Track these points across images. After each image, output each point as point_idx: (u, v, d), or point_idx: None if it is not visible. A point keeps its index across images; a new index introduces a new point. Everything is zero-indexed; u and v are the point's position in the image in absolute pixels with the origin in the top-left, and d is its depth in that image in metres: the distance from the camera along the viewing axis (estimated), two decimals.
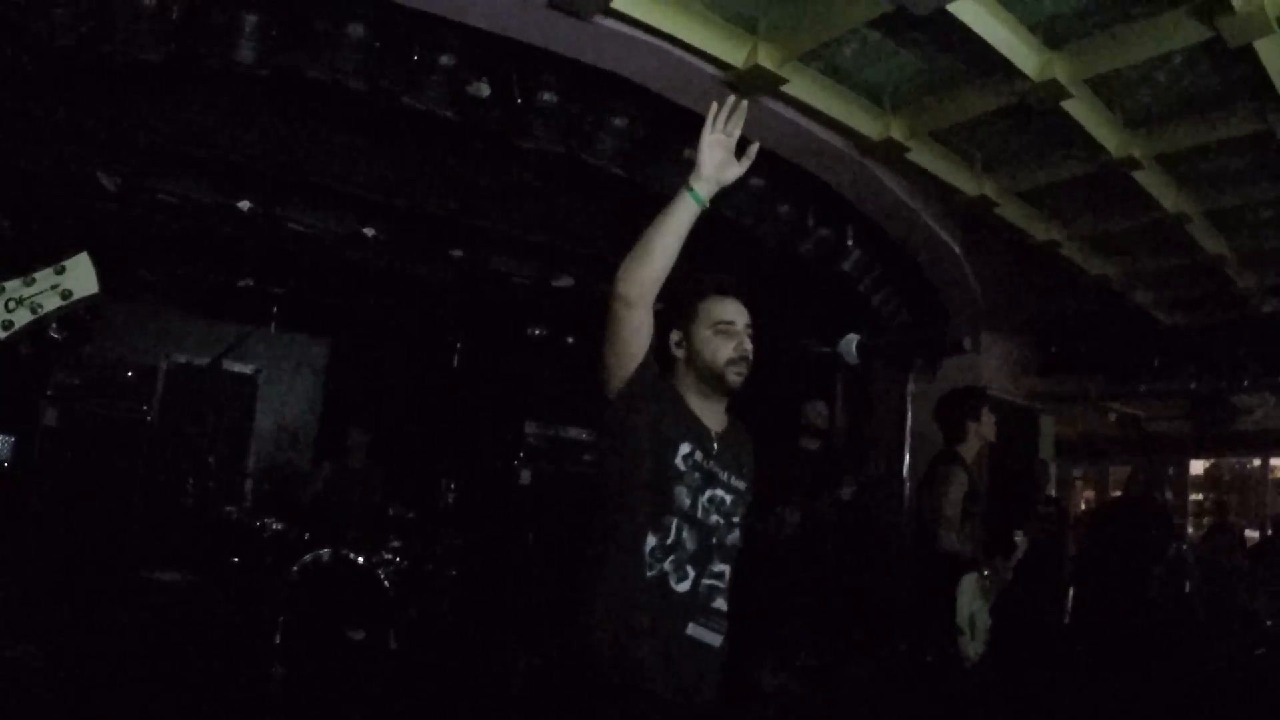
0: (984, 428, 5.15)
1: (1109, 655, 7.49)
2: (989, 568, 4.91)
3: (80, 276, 2.20)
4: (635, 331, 2.59)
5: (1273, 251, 7.73)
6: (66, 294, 2.17)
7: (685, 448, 2.69)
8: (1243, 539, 11.87)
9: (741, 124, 2.57)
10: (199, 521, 7.50)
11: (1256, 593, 7.77)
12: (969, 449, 5.14)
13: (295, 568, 6.29)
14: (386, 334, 10.15)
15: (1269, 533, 12.17)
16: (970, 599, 4.85)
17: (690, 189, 2.54)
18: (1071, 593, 6.41)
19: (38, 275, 2.15)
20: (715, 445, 2.78)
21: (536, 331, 10.08)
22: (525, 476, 8.66)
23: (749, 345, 2.81)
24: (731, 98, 2.59)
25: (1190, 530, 14.30)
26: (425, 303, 9.49)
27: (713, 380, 2.79)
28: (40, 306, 2.13)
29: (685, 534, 2.65)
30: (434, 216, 7.33)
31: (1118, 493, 12.51)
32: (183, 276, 8.74)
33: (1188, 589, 8.78)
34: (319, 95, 5.43)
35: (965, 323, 8.64)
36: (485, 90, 5.29)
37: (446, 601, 7.44)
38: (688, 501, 2.66)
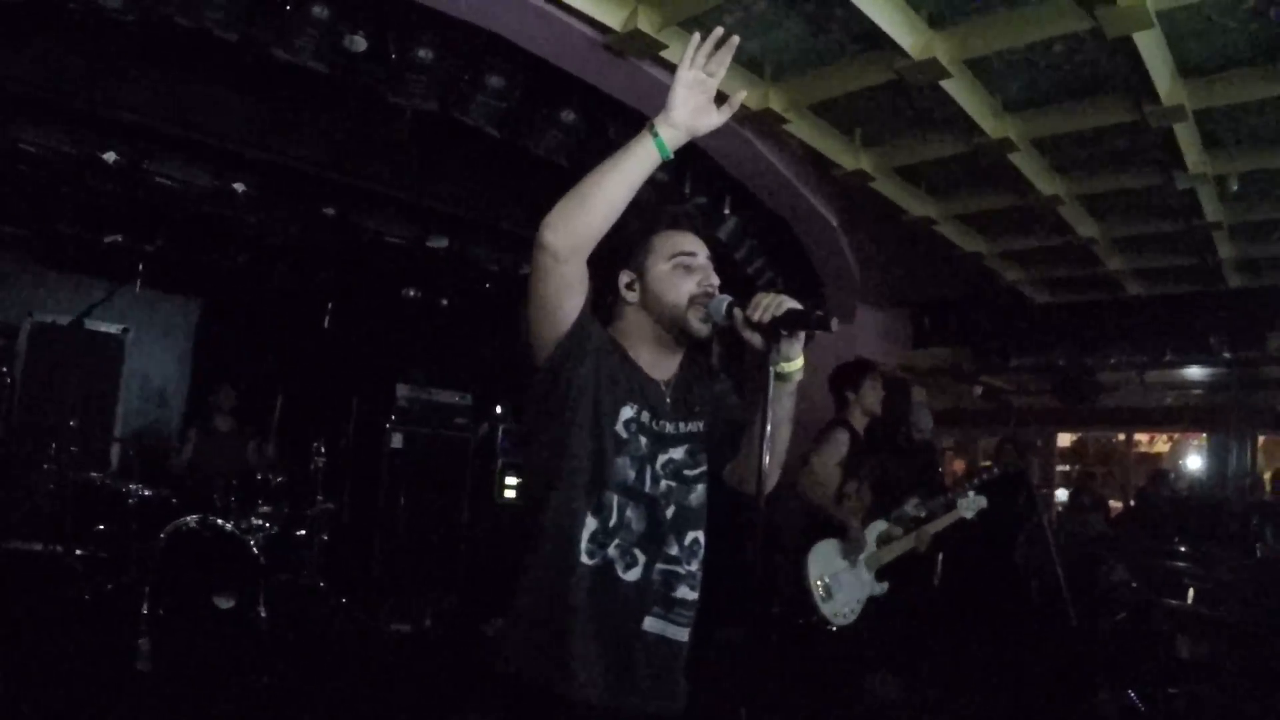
0: (864, 399, 5.33)
1: (974, 620, 7.71)
2: (852, 533, 4.97)
3: None
4: (566, 288, 2.15)
5: (1141, 236, 7.95)
6: None
7: (628, 411, 2.30)
8: (1107, 509, 12.34)
9: (727, 63, 2.12)
10: (63, 488, 7.23)
11: (1117, 559, 8.03)
12: (856, 419, 5.32)
13: (163, 535, 6.17)
14: (258, 294, 9.88)
15: (1131, 503, 12.69)
16: (824, 563, 4.94)
17: (655, 134, 2.09)
18: (940, 557, 6.55)
19: None
20: (668, 400, 2.40)
21: (410, 293, 9.93)
22: (396, 440, 8.56)
23: (715, 280, 2.38)
24: (719, 30, 2.12)
25: (1057, 499, 14.83)
26: (297, 261, 9.27)
27: (673, 325, 2.37)
28: None
29: (630, 512, 2.27)
30: (306, 173, 7.15)
31: (986, 463, 12.89)
32: (46, 232, 8.37)
33: (1052, 555, 9.07)
34: (188, 44, 5.22)
35: (840, 295, 8.74)
36: (361, 44, 5.14)
37: (317, 567, 7.34)
38: (632, 474, 2.29)
